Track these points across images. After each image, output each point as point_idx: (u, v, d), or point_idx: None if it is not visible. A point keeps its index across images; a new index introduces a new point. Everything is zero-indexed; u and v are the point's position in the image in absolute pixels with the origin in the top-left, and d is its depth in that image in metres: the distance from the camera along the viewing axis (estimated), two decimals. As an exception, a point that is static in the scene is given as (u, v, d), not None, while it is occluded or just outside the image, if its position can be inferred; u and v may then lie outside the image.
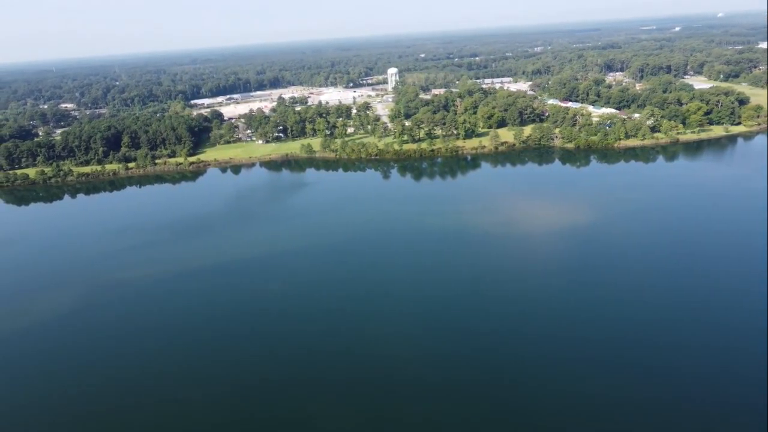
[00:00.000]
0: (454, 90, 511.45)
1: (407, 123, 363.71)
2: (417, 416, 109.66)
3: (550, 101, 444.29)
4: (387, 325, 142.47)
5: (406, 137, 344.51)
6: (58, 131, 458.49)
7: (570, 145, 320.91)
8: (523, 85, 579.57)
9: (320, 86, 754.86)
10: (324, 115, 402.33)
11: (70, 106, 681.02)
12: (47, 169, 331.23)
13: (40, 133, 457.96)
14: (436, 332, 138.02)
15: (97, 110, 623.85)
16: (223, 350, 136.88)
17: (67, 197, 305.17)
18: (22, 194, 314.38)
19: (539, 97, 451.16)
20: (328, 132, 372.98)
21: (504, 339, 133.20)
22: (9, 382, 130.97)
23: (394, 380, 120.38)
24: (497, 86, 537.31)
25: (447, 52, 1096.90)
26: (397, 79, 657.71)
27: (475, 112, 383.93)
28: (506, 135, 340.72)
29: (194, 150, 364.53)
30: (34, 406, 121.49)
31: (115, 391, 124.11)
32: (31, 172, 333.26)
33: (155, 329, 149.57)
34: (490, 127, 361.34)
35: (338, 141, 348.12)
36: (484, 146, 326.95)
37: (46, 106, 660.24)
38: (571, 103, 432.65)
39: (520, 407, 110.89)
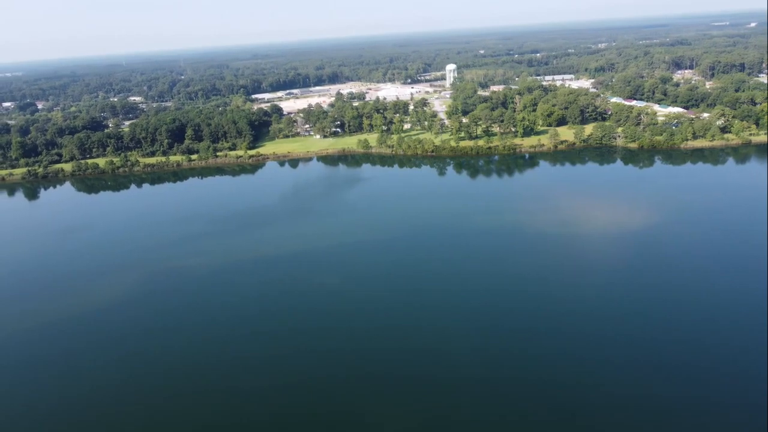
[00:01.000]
0: (513, 87, 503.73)
1: (464, 120, 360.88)
2: (478, 415, 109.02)
3: (614, 99, 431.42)
4: (440, 320, 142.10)
5: (463, 134, 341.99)
6: (127, 123, 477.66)
7: (633, 145, 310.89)
8: (585, 83, 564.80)
9: (378, 82, 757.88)
10: (381, 110, 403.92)
11: (138, 99, 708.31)
12: (116, 159, 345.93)
13: (110, 125, 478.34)
14: (489, 329, 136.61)
15: (163, 103, 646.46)
16: (277, 341, 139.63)
17: (133, 186, 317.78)
18: (92, 182, 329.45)
19: (602, 95, 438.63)
20: (384, 128, 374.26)
21: (555, 338, 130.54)
22: (73, 361, 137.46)
23: (451, 377, 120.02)
24: (558, 83, 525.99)
25: (507, 48, 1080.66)
26: (456, 75, 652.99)
27: (534, 110, 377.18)
28: (566, 133, 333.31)
29: (254, 143, 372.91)
30: (97, 385, 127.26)
31: (171, 376, 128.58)
32: (101, 161, 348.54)
33: (212, 317, 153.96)
34: (549, 125, 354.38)
35: (395, 137, 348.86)
36: (543, 145, 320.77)
37: (116, 99, 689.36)
38: (635, 101, 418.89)
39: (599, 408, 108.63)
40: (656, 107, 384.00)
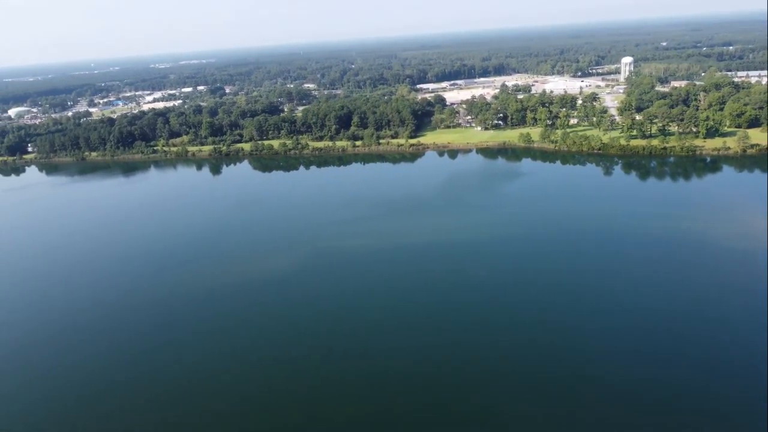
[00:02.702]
0: (698, 83, 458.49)
1: (638, 117, 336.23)
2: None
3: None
4: (597, 323, 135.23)
5: (635, 132, 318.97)
6: (300, 108, 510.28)
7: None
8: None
9: (546, 74, 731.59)
10: (546, 104, 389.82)
11: (311, 86, 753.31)
12: (288, 142, 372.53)
13: (285, 110, 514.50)
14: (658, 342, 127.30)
15: (333, 91, 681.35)
16: (425, 328, 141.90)
17: (302, 168, 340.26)
18: (266, 162, 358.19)
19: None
20: (549, 122, 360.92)
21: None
22: (232, 327, 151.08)
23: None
24: (753, 80, 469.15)
25: (693, 40, 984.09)
26: (631, 68, 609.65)
27: (721, 109, 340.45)
28: (759, 137, 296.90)
29: (415, 132, 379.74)
30: (262, 348, 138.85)
31: (316, 352, 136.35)
32: (275, 143, 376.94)
33: (364, 297, 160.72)
34: (738, 126, 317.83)
35: (559, 132, 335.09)
36: (729, 148, 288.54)
37: (291, 86, 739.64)
38: None
39: None
40: None
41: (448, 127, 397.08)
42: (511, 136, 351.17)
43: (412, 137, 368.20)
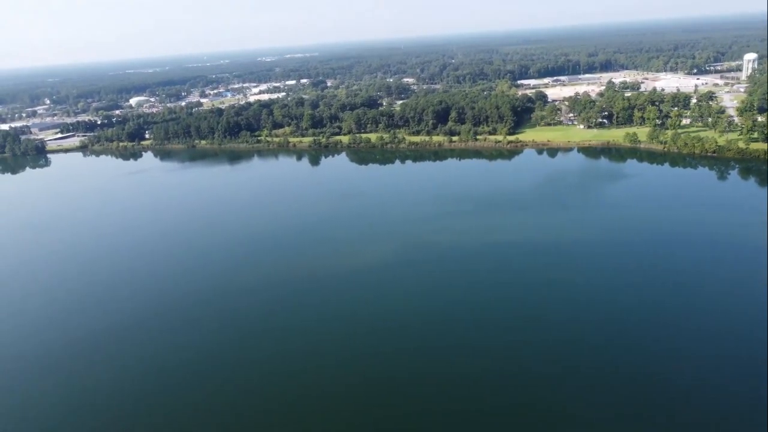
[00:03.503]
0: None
1: (760, 118, 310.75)
2: None
3: None
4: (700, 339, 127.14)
5: (756, 134, 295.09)
6: (398, 102, 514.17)
7: None
8: None
9: (657, 71, 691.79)
10: (656, 102, 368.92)
11: (410, 80, 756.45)
12: (385, 135, 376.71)
13: (384, 103, 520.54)
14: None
15: (432, 85, 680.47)
16: (508, 326, 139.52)
17: (397, 162, 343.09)
18: (363, 155, 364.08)
19: None
20: (658, 122, 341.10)
21: None
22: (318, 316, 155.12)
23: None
24: None
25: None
26: (756, 66, 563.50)
27: None
28: None
29: (514, 129, 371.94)
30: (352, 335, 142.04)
31: (406, 343, 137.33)
32: (373, 136, 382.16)
33: (454, 291, 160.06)
34: None
35: (669, 132, 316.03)
36: None
37: (391, 80, 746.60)
38: None
39: None
40: None
41: (549, 124, 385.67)
42: (616, 135, 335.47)
43: (510, 134, 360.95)
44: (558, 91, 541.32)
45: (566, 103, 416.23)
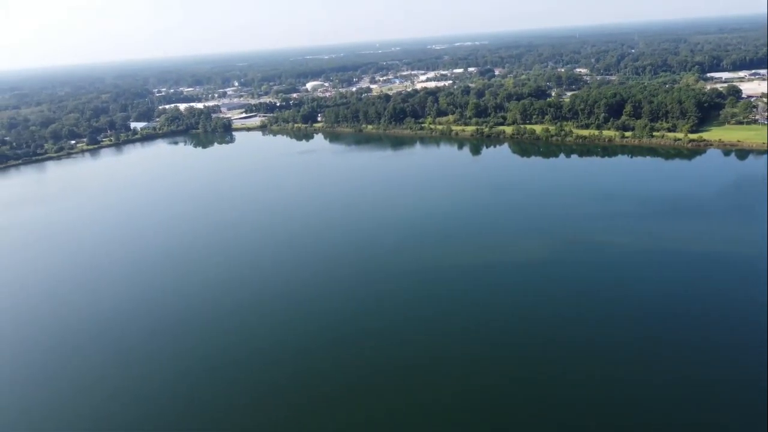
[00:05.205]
0: None
1: None
2: None
3: None
4: None
5: None
6: (568, 94, 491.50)
7: None
8: None
9: None
10: None
11: (583, 71, 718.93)
12: (551, 128, 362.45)
13: (553, 94, 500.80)
14: None
15: (607, 77, 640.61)
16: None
17: (562, 155, 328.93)
18: (526, 147, 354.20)
19: None
20: None
21: None
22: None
23: None
24: None
25: None
26: None
27: None
28: None
29: (697, 127, 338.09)
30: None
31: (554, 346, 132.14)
32: (538, 128, 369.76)
33: (609, 297, 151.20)
34: None
35: None
36: None
37: (562, 70, 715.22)
38: None
39: None
40: None
41: (740, 123, 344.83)
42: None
43: (692, 132, 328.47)
44: (755, 86, 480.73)
45: (764, 99, 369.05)
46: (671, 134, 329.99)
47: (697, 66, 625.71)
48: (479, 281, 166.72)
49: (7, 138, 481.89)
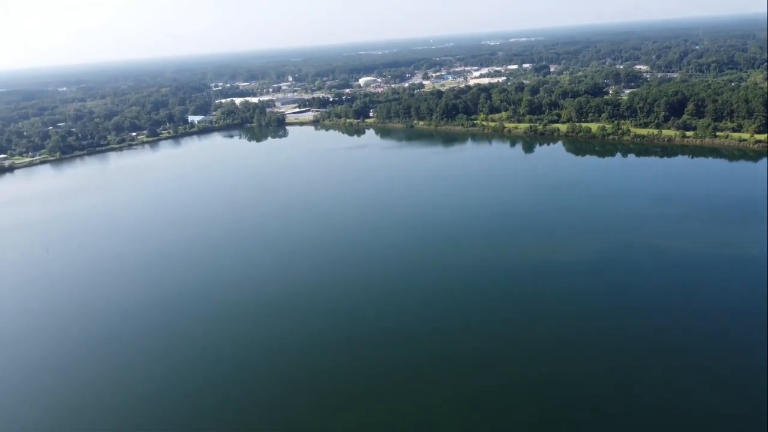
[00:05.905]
0: None
1: None
2: None
3: None
4: None
5: None
6: (627, 91, 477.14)
7: None
8: None
9: None
10: None
11: (643, 68, 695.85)
12: (608, 126, 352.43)
13: (610, 92, 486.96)
14: None
15: (668, 74, 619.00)
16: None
17: (618, 155, 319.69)
18: (581, 145, 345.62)
19: None
20: None
21: None
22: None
23: None
24: None
25: None
26: None
27: None
28: None
29: (765, 127, 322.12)
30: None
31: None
32: (593, 126, 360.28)
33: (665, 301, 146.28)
34: None
35: None
36: None
37: (621, 67, 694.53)
38: None
39: None
40: None
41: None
42: None
43: (759, 132, 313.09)
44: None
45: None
46: (736, 134, 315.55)
47: (766, 63, 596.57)
48: (527, 281, 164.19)
49: (74, 129, 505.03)
